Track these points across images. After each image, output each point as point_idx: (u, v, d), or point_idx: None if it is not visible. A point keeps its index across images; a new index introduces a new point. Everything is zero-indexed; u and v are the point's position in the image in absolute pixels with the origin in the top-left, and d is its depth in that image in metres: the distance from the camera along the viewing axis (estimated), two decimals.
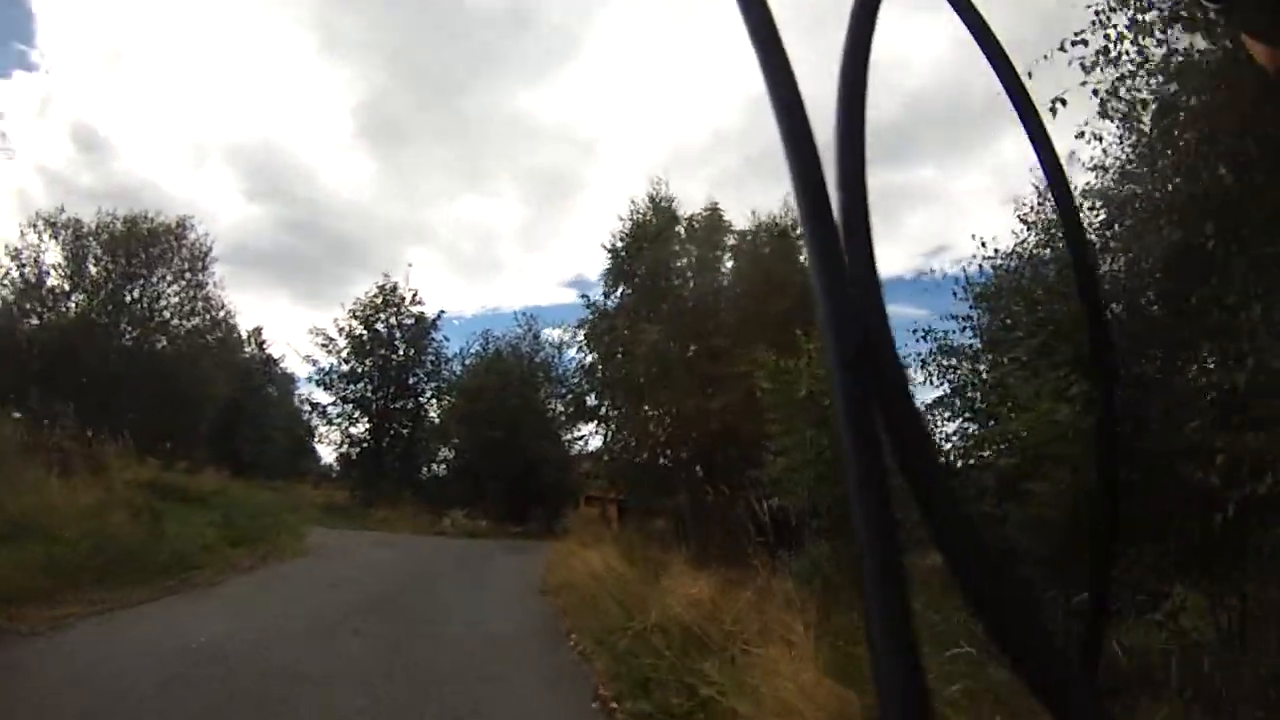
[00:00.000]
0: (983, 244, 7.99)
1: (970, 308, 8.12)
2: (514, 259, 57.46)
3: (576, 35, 56.68)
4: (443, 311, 31.48)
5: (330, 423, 32.30)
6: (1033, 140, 0.62)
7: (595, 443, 23.08)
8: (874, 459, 0.34)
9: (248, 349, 44.93)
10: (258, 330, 45.26)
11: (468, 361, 28.15)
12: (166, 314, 26.16)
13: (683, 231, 18.75)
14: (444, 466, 27.86)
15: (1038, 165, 0.65)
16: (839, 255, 0.37)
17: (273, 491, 35.34)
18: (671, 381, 15.64)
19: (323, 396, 32.05)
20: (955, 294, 8.17)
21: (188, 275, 26.45)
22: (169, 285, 26.05)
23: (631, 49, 59.78)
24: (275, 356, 43.21)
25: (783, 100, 0.38)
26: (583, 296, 20.62)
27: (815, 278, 0.36)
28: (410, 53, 57.61)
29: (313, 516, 25.56)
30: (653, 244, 18.61)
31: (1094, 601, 0.73)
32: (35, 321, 24.28)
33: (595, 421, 21.12)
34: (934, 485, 0.35)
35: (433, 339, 30.98)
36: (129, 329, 25.02)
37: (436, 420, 27.77)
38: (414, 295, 31.52)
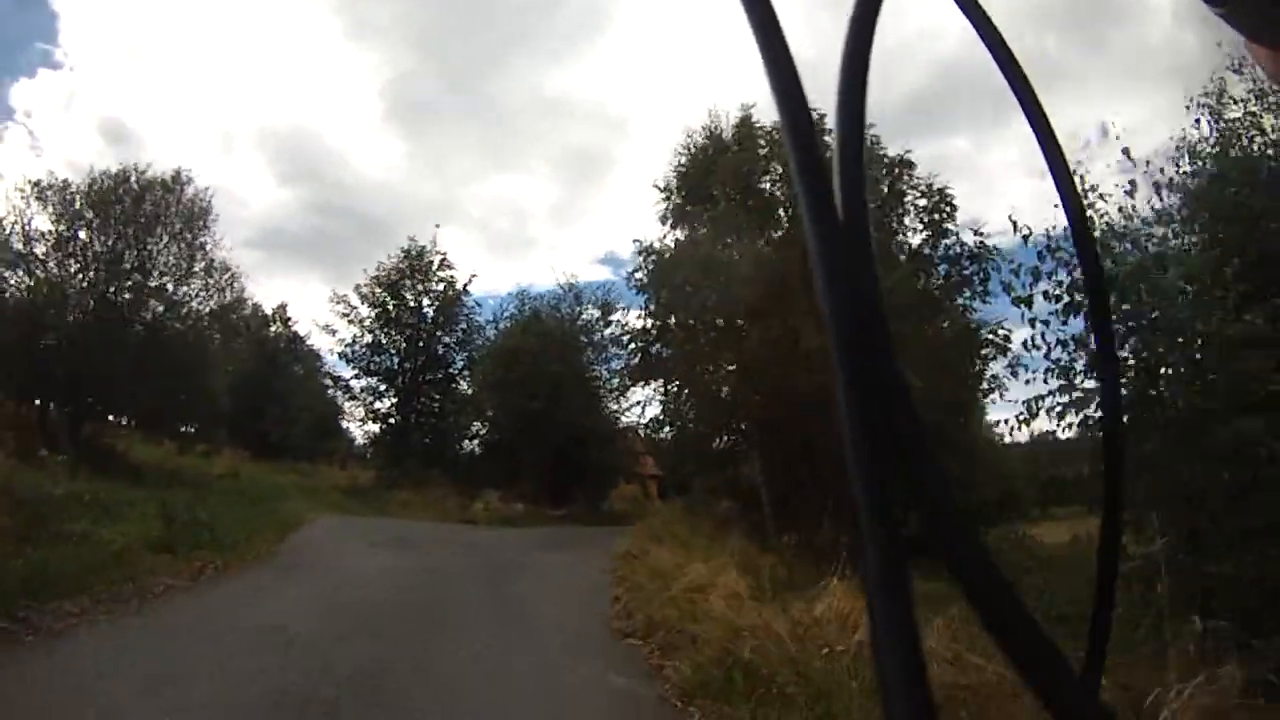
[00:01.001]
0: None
1: None
2: (546, 236, 56.67)
3: (604, 11, 54.85)
4: (474, 275, 28.37)
5: (354, 398, 29.61)
6: (1039, 137, 0.59)
7: (650, 411, 19.81)
8: (876, 457, 0.34)
9: (273, 327, 43.17)
10: (282, 307, 43.13)
11: (502, 325, 24.73)
12: (164, 280, 23.11)
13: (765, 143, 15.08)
14: (477, 443, 24.51)
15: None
16: (841, 253, 0.36)
17: (297, 474, 33.35)
18: (787, 307, 12.12)
19: (346, 371, 29.51)
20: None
21: (186, 236, 23.39)
22: (164, 247, 23.04)
23: (660, 22, 58.01)
24: (301, 334, 40.64)
25: (784, 90, 0.37)
26: (636, 246, 16.91)
27: (818, 272, 0.35)
28: (438, 34, 56.72)
29: (328, 501, 22.79)
30: (736, 154, 15.14)
31: (1099, 599, 0.61)
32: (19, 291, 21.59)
33: (659, 380, 17.72)
34: (931, 483, 0.35)
35: (464, 305, 27.79)
36: (121, 295, 22.11)
37: (468, 392, 24.32)
38: (443, 260, 28.34)
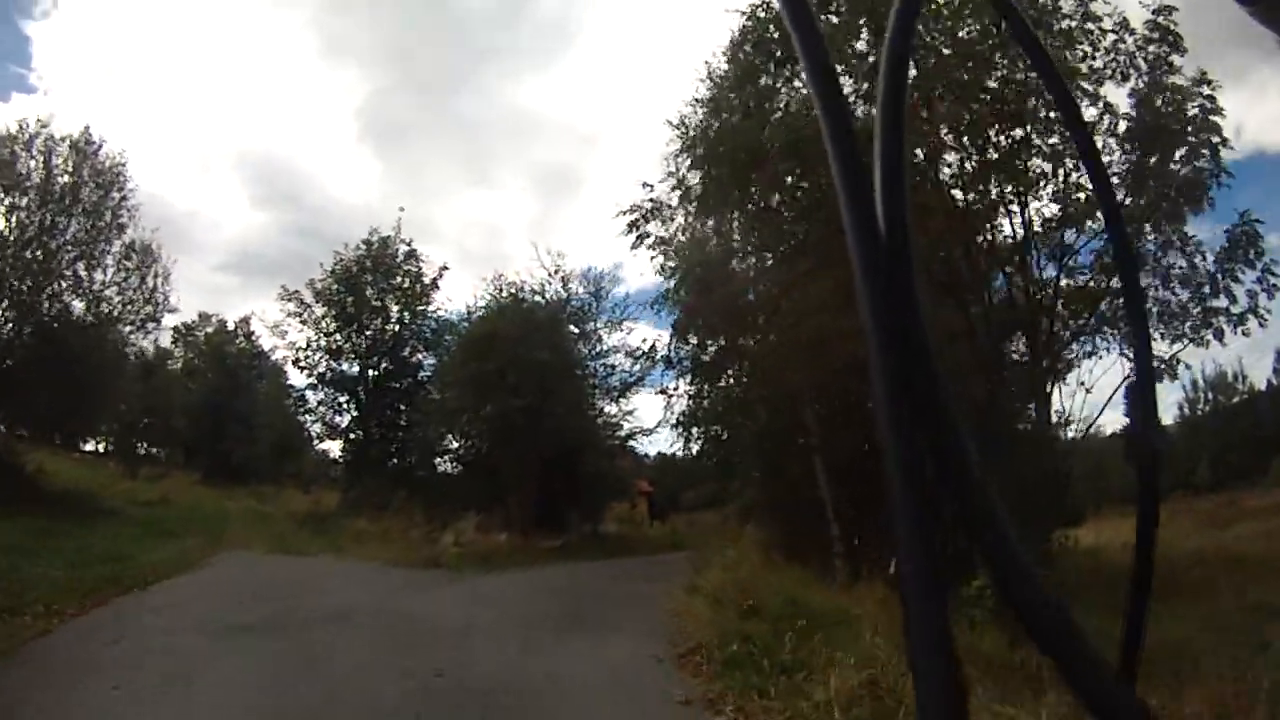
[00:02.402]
0: None
1: None
2: (522, 252, 55.01)
3: (570, 27, 55.75)
4: (446, 268, 24.41)
5: (309, 412, 25.73)
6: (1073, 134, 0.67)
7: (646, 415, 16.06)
8: (913, 456, 0.34)
9: (237, 342, 39.70)
10: (245, 320, 39.76)
11: (476, 315, 20.61)
12: (70, 258, 19.18)
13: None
14: (450, 460, 20.42)
15: None
16: (881, 258, 0.37)
17: (255, 499, 29.54)
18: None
19: (301, 380, 25.64)
20: None
21: (100, 210, 19.48)
22: (72, 220, 19.15)
23: (626, 37, 58.24)
24: (267, 349, 36.83)
25: (825, 98, 0.39)
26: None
27: (857, 274, 0.36)
28: (409, 52, 56.02)
29: (270, 532, 18.78)
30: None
31: (1134, 601, 0.64)
32: None
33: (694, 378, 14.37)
34: (971, 490, 0.35)
35: (431, 302, 23.97)
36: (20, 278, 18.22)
37: (437, 397, 20.31)
38: (409, 250, 24.56)
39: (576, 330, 18.64)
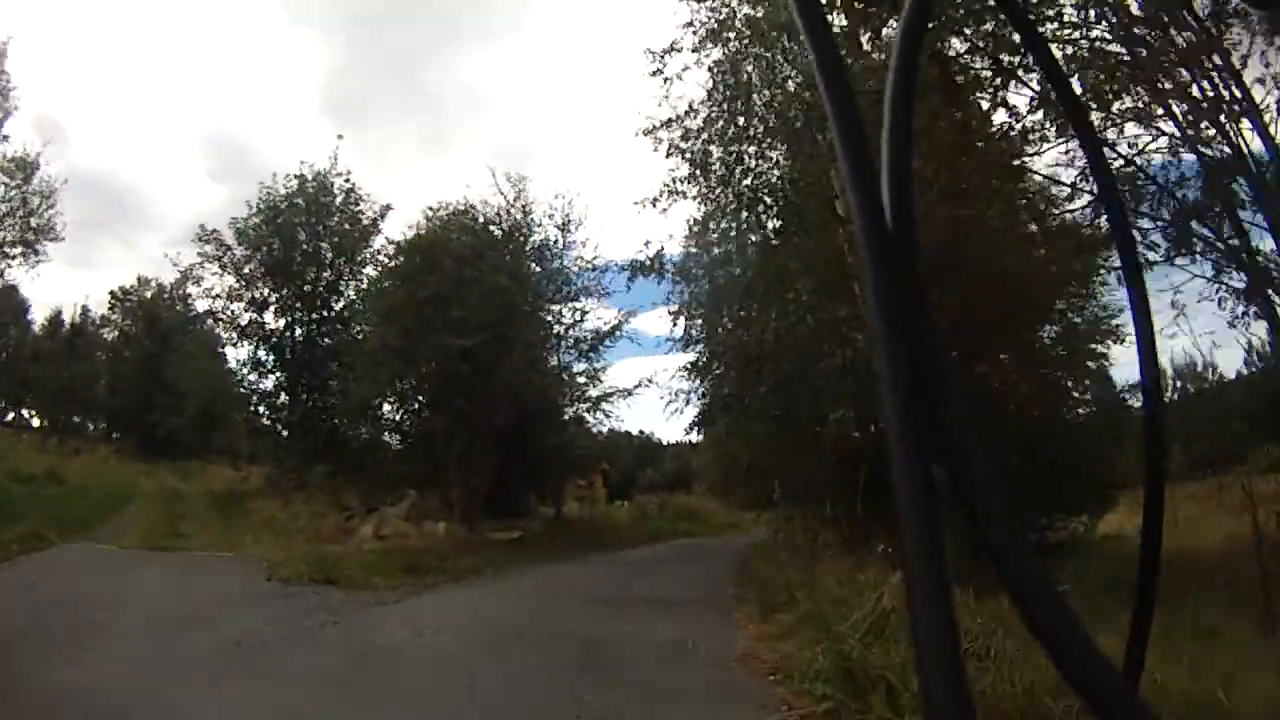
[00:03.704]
0: None
1: None
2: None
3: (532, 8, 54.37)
4: (390, 207, 20.76)
5: (231, 374, 22.09)
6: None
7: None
8: (922, 453, 0.34)
9: (174, 306, 35.94)
10: (182, 279, 36.12)
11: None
12: None
13: None
14: (384, 426, 16.78)
15: None
16: (890, 250, 0.37)
17: (178, 475, 26.27)
18: None
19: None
20: None
21: None
22: None
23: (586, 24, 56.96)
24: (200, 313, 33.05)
25: (836, 99, 0.39)
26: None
27: (869, 275, 0.36)
28: (374, 25, 54.77)
29: (170, 513, 15.49)
30: None
31: (1139, 605, 0.63)
32: None
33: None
34: (983, 496, 0.35)
35: (371, 247, 20.25)
36: None
37: (362, 336, 16.49)
38: (349, 187, 20.86)
39: (539, 269, 15.10)
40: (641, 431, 35.08)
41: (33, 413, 36.10)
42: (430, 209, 14.87)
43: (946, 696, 0.30)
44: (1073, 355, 10.16)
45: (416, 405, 14.71)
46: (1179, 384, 24.50)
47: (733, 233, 10.98)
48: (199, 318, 31.46)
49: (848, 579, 6.74)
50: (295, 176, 20.53)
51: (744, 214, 10.57)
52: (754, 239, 10.79)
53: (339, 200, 20.79)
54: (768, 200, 10.37)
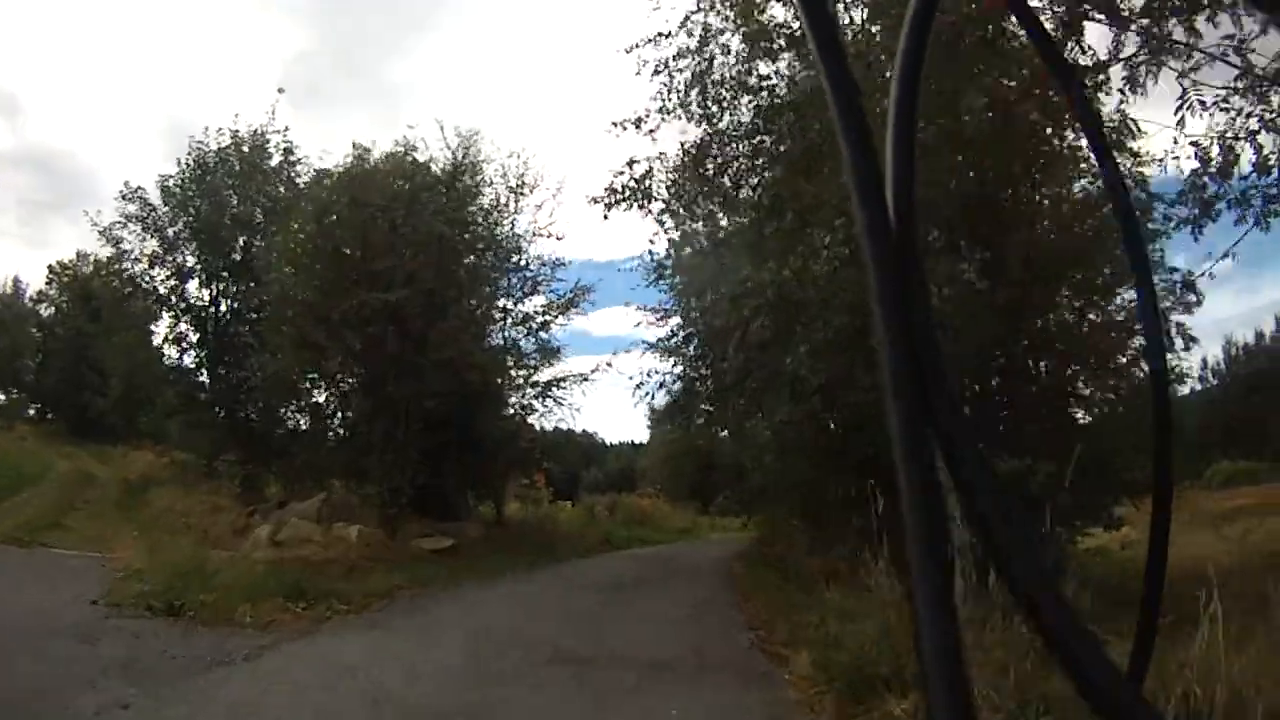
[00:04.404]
0: None
1: None
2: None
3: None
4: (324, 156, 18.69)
5: (153, 349, 19.92)
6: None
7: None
8: (925, 454, 0.33)
9: (108, 280, 33.63)
10: (117, 256, 33.93)
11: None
12: None
13: None
14: (311, 410, 14.69)
15: None
16: (892, 248, 0.37)
17: (99, 458, 24.21)
18: None
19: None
20: None
21: None
22: None
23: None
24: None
25: (841, 93, 0.38)
26: None
27: (870, 268, 0.36)
28: (336, 14, 52.67)
29: (55, 505, 13.34)
30: None
31: (1146, 606, 0.63)
32: None
33: None
34: (985, 494, 0.35)
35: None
36: None
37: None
38: (286, 146, 18.76)
39: (482, 221, 13.09)
40: (585, 430, 33.60)
41: None
42: (360, 144, 12.84)
43: (949, 701, 0.29)
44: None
45: (340, 382, 12.70)
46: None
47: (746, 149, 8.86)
48: (134, 293, 29.28)
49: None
50: (229, 131, 18.45)
51: (765, 124, 8.57)
52: (782, 149, 8.41)
53: (275, 161, 18.78)
54: (791, 116, 8.12)
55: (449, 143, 13.44)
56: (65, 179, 50.35)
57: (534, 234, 13.65)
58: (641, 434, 42.49)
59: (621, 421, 63.84)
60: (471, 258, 12.27)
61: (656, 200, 9.14)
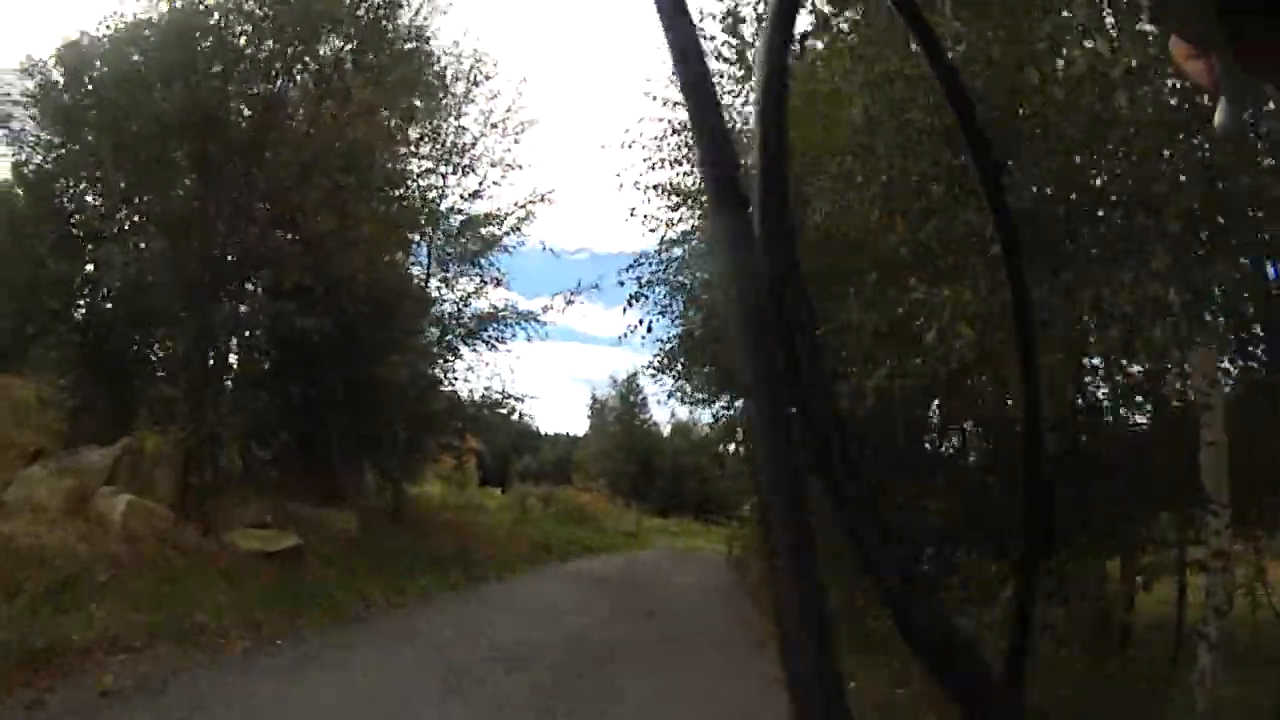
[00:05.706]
0: None
1: None
2: None
3: None
4: None
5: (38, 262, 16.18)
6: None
7: None
8: (789, 454, 0.31)
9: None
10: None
11: None
12: None
13: None
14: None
15: None
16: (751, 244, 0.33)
17: None
18: None
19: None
20: None
21: None
22: None
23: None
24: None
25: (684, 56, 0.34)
26: None
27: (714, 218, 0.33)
28: None
29: None
30: None
31: (1020, 602, 0.59)
32: None
33: None
34: (844, 477, 0.33)
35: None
36: None
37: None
38: None
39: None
40: (521, 415, 30.47)
41: None
42: None
43: (813, 670, 0.27)
44: None
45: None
46: None
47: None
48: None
49: None
50: None
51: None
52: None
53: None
54: None
55: None
56: None
57: (489, 126, 9.93)
58: (579, 426, 39.53)
59: (558, 411, 61.43)
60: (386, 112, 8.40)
61: None
